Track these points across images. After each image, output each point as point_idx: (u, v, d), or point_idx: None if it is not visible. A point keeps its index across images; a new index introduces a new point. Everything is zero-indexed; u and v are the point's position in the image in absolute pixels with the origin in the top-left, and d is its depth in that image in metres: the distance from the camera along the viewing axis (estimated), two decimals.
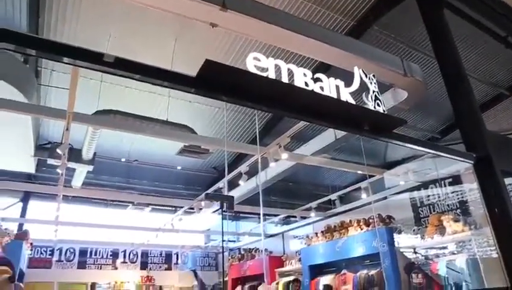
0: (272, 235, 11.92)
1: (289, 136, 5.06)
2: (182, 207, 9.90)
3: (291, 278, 9.31)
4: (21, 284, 7.81)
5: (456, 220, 6.47)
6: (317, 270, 8.86)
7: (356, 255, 7.76)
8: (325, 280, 8.25)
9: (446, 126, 10.62)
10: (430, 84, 8.30)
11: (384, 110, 3.96)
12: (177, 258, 13.77)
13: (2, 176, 9.50)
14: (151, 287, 12.59)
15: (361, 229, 7.90)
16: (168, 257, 13.70)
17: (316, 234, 9.11)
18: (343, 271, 8.02)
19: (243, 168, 6.52)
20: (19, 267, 6.89)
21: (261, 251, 10.96)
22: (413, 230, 7.06)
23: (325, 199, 9.91)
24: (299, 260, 9.61)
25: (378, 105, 3.91)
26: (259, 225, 12.18)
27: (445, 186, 7.75)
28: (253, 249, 11.47)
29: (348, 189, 9.63)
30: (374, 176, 8.29)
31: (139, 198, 10.39)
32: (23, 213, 12.12)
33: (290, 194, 11.92)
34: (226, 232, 13.04)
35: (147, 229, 11.54)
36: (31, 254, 10.89)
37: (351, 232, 8.11)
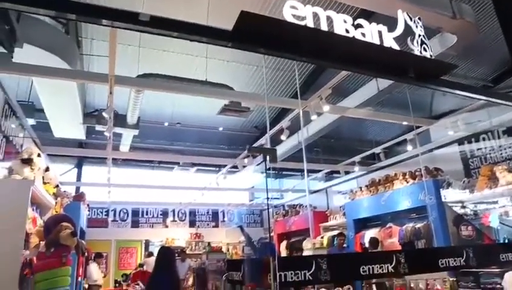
0: (315, 191, 11.97)
1: (330, 87, 4.90)
2: (225, 166, 10.09)
3: (336, 232, 9.40)
4: (83, 241, 8.45)
5: (511, 171, 6.15)
6: (361, 224, 8.89)
7: (402, 208, 7.67)
8: (370, 233, 8.26)
9: (500, 73, 9.88)
10: (482, 26, 7.68)
11: (431, 55, 3.73)
12: (224, 216, 14.28)
13: (58, 143, 10.06)
14: (200, 244, 13.23)
15: (407, 183, 7.74)
16: (214, 215, 14.24)
17: (360, 188, 9.05)
18: (388, 224, 7.98)
19: (285, 123, 6.46)
20: (79, 225, 7.41)
21: (305, 206, 11.10)
22: (463, 181, 6.80)
23: (369, 152, 9.70)
24: (344, 214, 9.65)
25: (424, 50, 3.68)
26: (303, 181, 12.24)
27: (499, 137, 7.34)
28: (297, 205, 11.63)
29: (394, 141, 9.31)
30: (420, 127, 7.94)
31: (184, 158, 10.69)
32: (78, 178, 12.94)
33: (333, 150, 11.78)
34: (270, 189, 13.23)
35: (193, 189, 11.94)
36: (89, 215, 11.68)
37: (396, 185, 7.98)
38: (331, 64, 3.44)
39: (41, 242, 3.88)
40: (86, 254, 8.46)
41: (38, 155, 4.27)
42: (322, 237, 9.77)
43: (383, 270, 3.16)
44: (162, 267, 5.11)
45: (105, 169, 9.47)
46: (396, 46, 3.45)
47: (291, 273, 2.74)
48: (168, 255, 5.34)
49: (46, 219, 4.23)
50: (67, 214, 4.33)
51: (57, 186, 5.51)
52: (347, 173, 10.88)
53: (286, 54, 3.09)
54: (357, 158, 9.69)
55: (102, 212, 12.95)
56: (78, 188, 11.98)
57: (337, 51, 3.15)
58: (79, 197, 7.85)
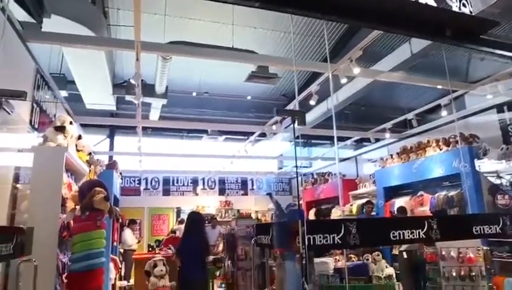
0: (344, 159, 11.83)
1: (361, 48, 4.70)
2: (254, 134, 10.05)
3: (365, 200, 9.33)
4: (117, 208, 8.78)
5: None
6: (392, 192, 8.75)
7: (434, 176, 7.47)
8: (401, 201, 8.14)
9: None
10: None
11: (471, 12, 3.49)
12: (253, 184, 14.43)
13: (90, 114, 10.29)
14: (229, 211, 13.49)
15: (440, 150, 7.49)
16: (243, 183, 14.41)
17: (391, 155, 8.87)
18: (420, 193, 7.82)
19: (314, 87, 6.29)
20: (112, 192, 7.65)
21: (335, 174, 11.02)
22: (501, 149, 6.51)
23: (401, 118, 9.31)
24: (373, 182, 9.53)
25: (463, 5, 3.44)
26: (332, 149, 12.09)
27: None
28: (326, 173, 11.57)
29: (427, 106, 8.93)
30: (456, 91, 7.55)
31: (213, 126, 10.71)
32: (111, 147, 13.29)
33: (363, 117, 11.48)
34: (299, 157, 13.10)
35: (222, 157, 12.07)
36: (122, 183, 12.07)
37: (429, 152, 7.75)
38: (362, 22, 3.28)
39: (76, 206, 4.03)
40: (120, 220, 8.80)
41: (71, 123, 4.38)
42: (351, 205, 9.72)
43: (413, 235, 3.09)
44: (192, 231, 5.23)
45: (136, 139, 9.67)
46: (432, 2, 3.24)
47: (320, 237, 2.72)
48: (197, 219, 5.45)
49: (81, 184, 4.38)
50: (100, 180, 4.46)
51: (90, 154, 5.67)
52: (377, 140, 10.65)
53: (314, 13, 2.95)
54: (388, 124, 9.39)
55: (134, 181, 13.36)
56: (110, 157, 12.36)
57: (368, 7, 2.98)
58: (112, 165, 8.08)
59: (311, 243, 2.68)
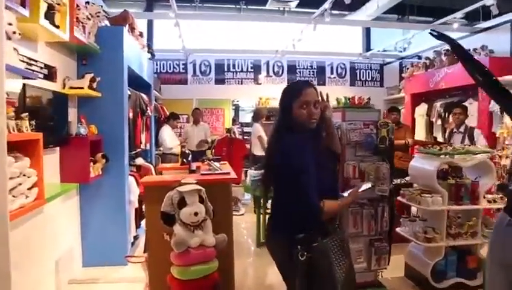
0: (486, 29, 7.59)
1: None
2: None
3: None
4: (143, 95, 5.92)
5: None
6: None
7: None
8: None
9: None
10: None
11: None
12: (331, 71, 10.86)
13: None
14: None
15: None
16: (320, 70, 10.80)
17: None
18: None
19: None
20: (125, 65, 4.65)
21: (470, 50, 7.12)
22: None
23: None
24: None
25: None
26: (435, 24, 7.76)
27: None
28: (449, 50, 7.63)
29: None
30: None
31: None
32: (149, 23, 10.26)
33: None
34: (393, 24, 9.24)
35: (295, 21, 8.42)
36: (157, 65, 9.25)
37: None
38: None
39: None
40: (148, 112, 5.98)
41: None
42: None
43: None
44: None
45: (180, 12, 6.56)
46: None
47: None
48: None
49: None
50: None
51: None
52: None
53: None
54: None
55: (179, 66, 10.38)
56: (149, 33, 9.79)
57: None
58: (120, 18, 4.87)
59: None
